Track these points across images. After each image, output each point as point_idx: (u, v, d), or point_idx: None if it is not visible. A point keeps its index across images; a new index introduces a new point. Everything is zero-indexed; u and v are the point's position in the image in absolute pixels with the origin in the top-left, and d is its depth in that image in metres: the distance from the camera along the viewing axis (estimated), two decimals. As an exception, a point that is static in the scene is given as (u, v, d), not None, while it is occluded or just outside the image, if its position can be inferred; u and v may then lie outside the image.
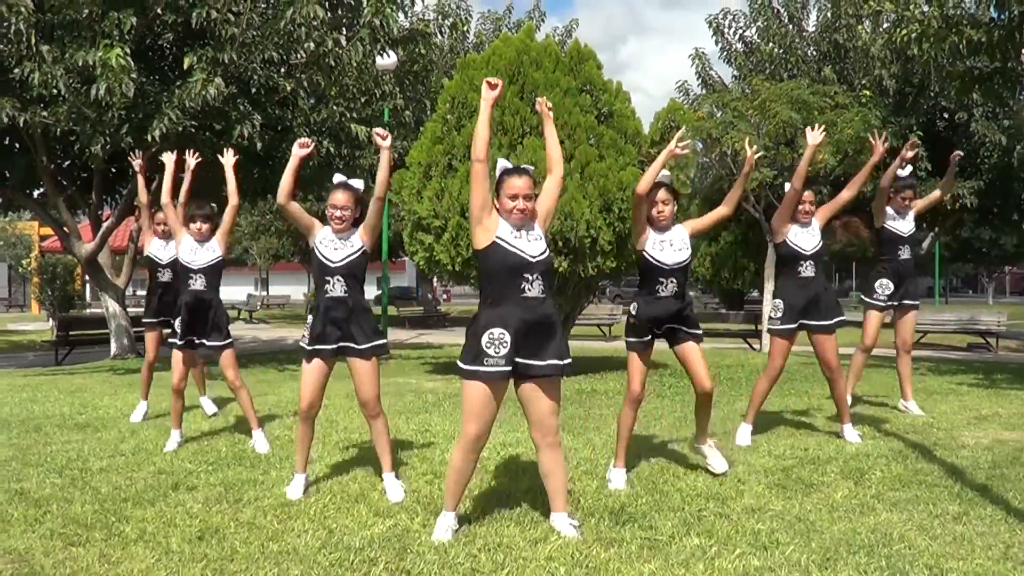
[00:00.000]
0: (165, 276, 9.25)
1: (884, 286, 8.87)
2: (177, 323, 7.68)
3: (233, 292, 35.22)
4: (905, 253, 8.86)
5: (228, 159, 7.54)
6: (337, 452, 7.34)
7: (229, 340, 7.82)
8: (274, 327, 31.10)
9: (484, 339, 4.77)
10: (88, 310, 29.78)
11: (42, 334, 24.87)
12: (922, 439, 7.57)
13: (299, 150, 5.91)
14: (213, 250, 7.78)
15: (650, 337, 6.16)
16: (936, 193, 9.54)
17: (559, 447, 5.01)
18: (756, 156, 5.97)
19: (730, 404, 9.81)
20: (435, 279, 34.30)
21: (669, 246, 6.17)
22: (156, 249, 9.30)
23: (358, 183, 6.00)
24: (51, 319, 28.14)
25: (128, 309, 17.41)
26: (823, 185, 22.56)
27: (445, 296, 59.85)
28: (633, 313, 6.19)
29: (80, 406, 10.02)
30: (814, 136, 7.20)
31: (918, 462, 6.67)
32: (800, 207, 7.47)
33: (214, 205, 8.86)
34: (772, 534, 4.89)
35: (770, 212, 15.14)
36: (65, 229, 16.57)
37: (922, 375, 12.82)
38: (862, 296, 9.11)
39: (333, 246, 5.86)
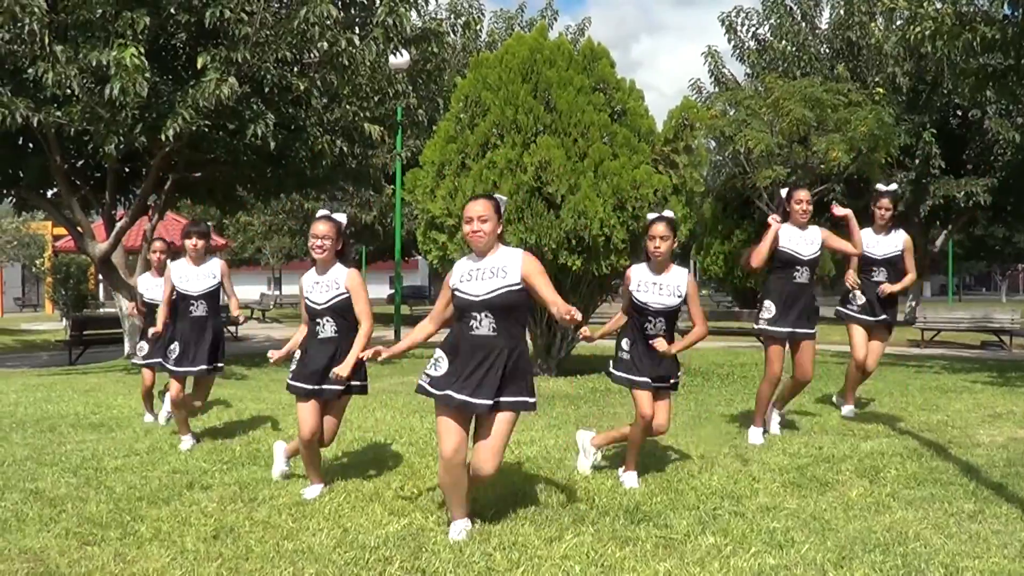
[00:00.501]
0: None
1: (856, 297, 8.58)
2: (169, 349, 7.69)
3: (246, 291, 35.25)
4: (879, 276, 8.49)
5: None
6: (351, 451, 7.35)
7: (220, 365, 7.90)
8: (287, 326, 31.15)
9: (434, 358, 4.99)
10: (102, 310, 29.90)
11: (56, 334, 24.96)
12: (937, 437, 7.55)
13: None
14: (212, 276, 7.76)
15: (639, 379, 6.07)
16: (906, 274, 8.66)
17: (491, 479, 5.06)
18: None
19: (744, 403, 9.79)
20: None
21: (657, 289, 6.04)
22: (151, 291, 9.10)
23: (341, 217, 6.03)
24: (65, 319, 28.24)
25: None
26: (836, 183, 22.53)
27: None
28: (625, 348, 6.16)
29: (94, 405, 10.05)
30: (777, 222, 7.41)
31: (933, 460, 6.65)
32: (797, 206, 7.44)
33: (210, 224, 8.84)
34: (787, 532, 4.88)
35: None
36: (79, 229, 16.59)
37: (936, 373, 12.79)
38: (838, 308, 8.77)
39: (318, 288, 5.88)
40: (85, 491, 6.01)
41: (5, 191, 17.43)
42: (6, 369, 15.91)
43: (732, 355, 16.17)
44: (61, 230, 28.73)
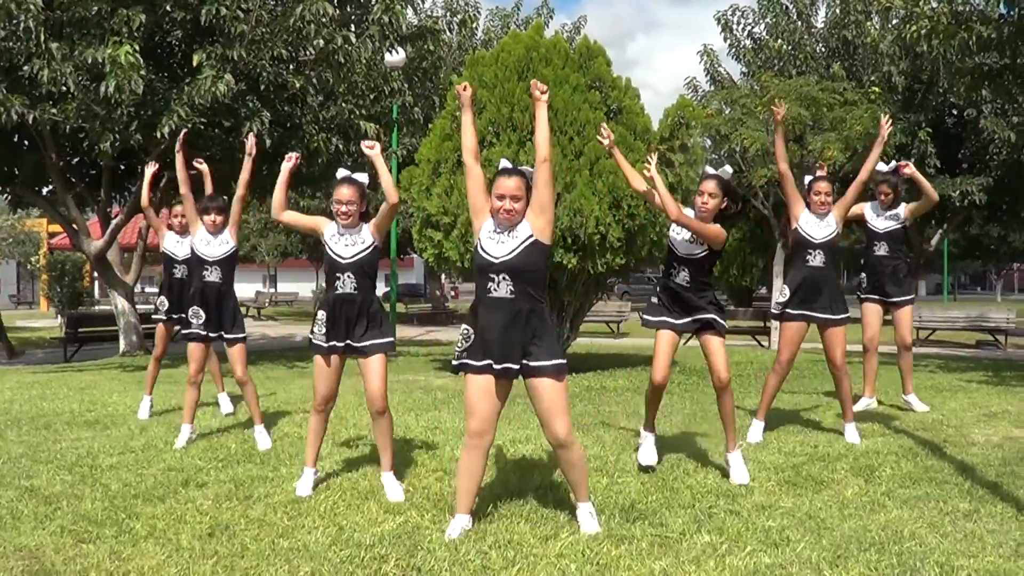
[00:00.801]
0: (180, 272, 9.07)
1: (862, 280, 8.78)
2: (190, 314, 7.66)
3: (242, 289, 35.13)
4: (881, 249, 8.64)
5: (249, 147, 7.48)
6: (347, 449, 7.34)
7: (244, 335, 7.82)
8: (283, 324, 31.13)
9: (460, 334, 5.01)
10: (97, 307, 29.85)
11: (51, 331, 24.93)
12: (932, 436, 7.56)
13: (286, 163, 6.17)
14: (227, 242, 7.76)
15: (669, 319, 6.29)
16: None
17: (571, 447, 4.94)
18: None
19: (739, 400, 9.78)
20: (443, 276, 34.35)
21: (687, 234, 6.24)
22: (171, 245, 9.16)
23: (363, 177, 5.98)
24: (60, 316, 28.19)
25: (137, 306, 17.45)
26: (831, 182, 22.53)
27: (453, 293, 59.79)
28: (656, 293, 6.47)
29: (89, 403, 10.04)
30: (779, 111, 7.48)
31: (928, 459, 6.66)
32: (816, 197, 7.49)
33: (226, 198, 8.86)
34: (783, 531, 4.89)
35: (778, 209, 15.11)
36: (74, 226, 16.60)
37: (931, 372, 12.81)
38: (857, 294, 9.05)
39: (344, 242, 5.82)
40: (80, 489, 6.00)
41: (0, 188, 17.43)
42: (1, 366, 15.88)
43: (727, 353, 16.16)
44: (56, 227, 28.77)
